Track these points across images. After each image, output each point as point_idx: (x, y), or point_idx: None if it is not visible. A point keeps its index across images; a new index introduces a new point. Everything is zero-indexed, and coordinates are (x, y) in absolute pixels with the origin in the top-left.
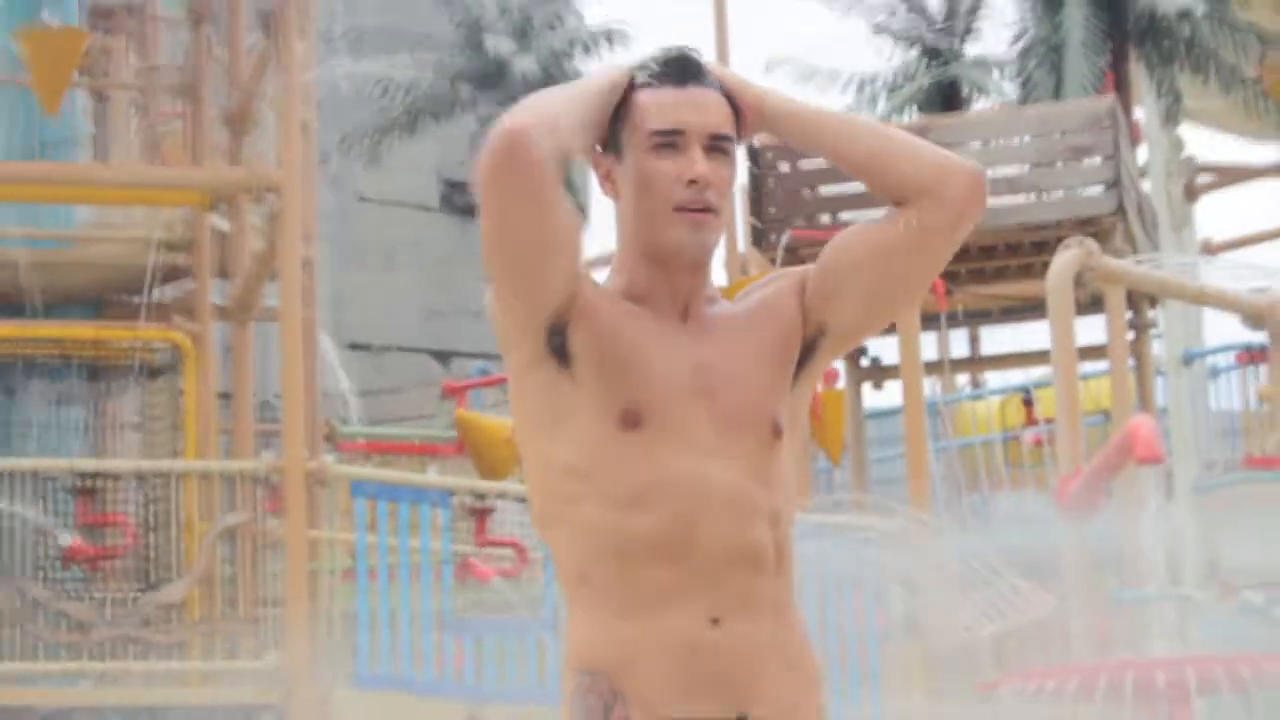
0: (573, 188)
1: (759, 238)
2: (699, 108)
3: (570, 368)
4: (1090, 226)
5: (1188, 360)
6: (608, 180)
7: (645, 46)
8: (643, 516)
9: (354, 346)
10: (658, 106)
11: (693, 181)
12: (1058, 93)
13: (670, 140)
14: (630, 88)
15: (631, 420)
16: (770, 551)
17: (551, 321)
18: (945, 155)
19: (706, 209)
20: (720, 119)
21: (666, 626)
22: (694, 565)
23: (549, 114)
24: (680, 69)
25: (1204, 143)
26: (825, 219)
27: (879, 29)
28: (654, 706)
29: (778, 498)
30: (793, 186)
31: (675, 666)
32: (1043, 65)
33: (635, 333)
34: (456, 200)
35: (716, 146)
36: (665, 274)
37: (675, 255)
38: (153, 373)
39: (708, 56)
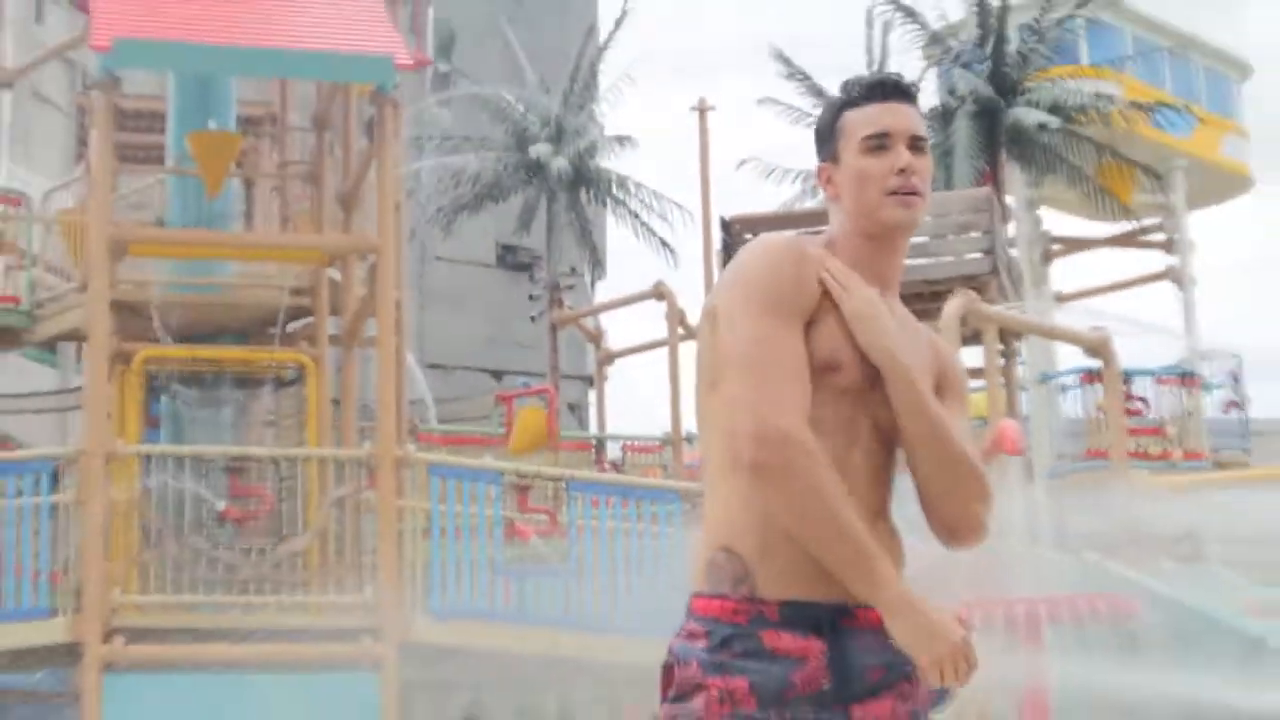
0: (597, 251)
1: None
2: (900, 115)
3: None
4: (972, 282)
5: (1043, 380)
6: (829, 185)
7: (648, 150)
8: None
9: (432, 366)
10: (865, 118)
11: (901, 170)
12: (949, 184)
13: (880, 142)
14: (840, 109)
15: (831, 368)
16: (886, 480)
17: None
18: (979, 522)
19: (913, 192)
20: (918, 124)
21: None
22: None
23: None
24: (882, 88)
25: (1057, 221)
26: None
27: None
28: (780, 588)
29: (888, 477)
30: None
31: (801, 567)
32: (938, 164)
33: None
34: (508, 260)
35: (916, 145)
36: (878, 249)
37: (894, 229)
38: (284, 384)
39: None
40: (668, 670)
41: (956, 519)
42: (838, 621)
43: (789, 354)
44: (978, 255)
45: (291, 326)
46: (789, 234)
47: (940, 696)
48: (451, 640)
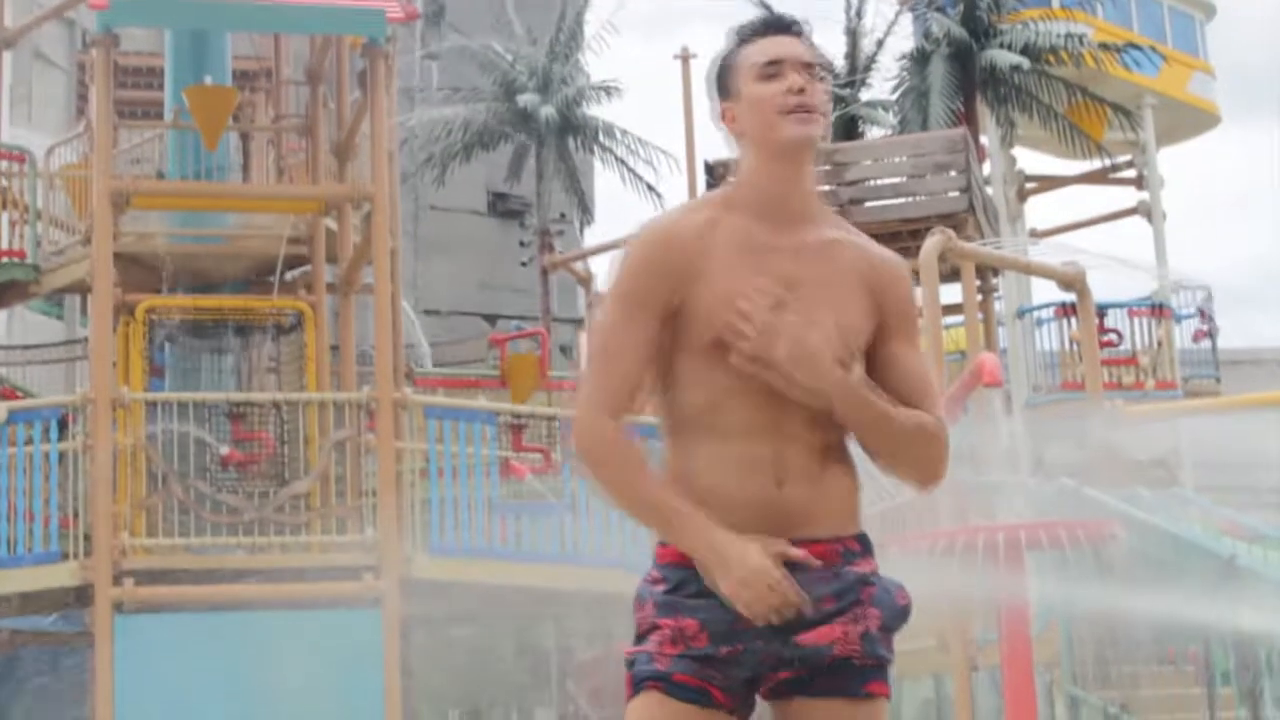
0: (583, 197)
1: None
2: (790, 45)
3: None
4: (950, 220)
5: (1020, 314)
6: (732, 123)
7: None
8: (723, 410)
9: (427, 311)
10: (757, 49)
11: (794, 90)
12: (925, 126)
13: (773, 69)
14: (734, 51)
15: (715, 351)
16: (828, 431)
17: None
18: (934, 473)
19: (809, 109)
20: (811, 52)
21: (742, 484)
22: (762, 445)
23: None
24: (774, 23)
25: (1031, 159)
26: None
27: None
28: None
29: (830, 416)
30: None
31: (745, 512)
32: (914, 106)
33: (739, 262)
34: (499, 207)
35: (809, 71)
36: (785, 176)
37: (795, 147)
38: (284, 331)
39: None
40: (635, 607)
41: (910, 476)
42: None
43: (630, 347)
44: (955, 194)
45: (290, 275)
46: (673, 212)
47: (897, 614)
48: (450, 576)
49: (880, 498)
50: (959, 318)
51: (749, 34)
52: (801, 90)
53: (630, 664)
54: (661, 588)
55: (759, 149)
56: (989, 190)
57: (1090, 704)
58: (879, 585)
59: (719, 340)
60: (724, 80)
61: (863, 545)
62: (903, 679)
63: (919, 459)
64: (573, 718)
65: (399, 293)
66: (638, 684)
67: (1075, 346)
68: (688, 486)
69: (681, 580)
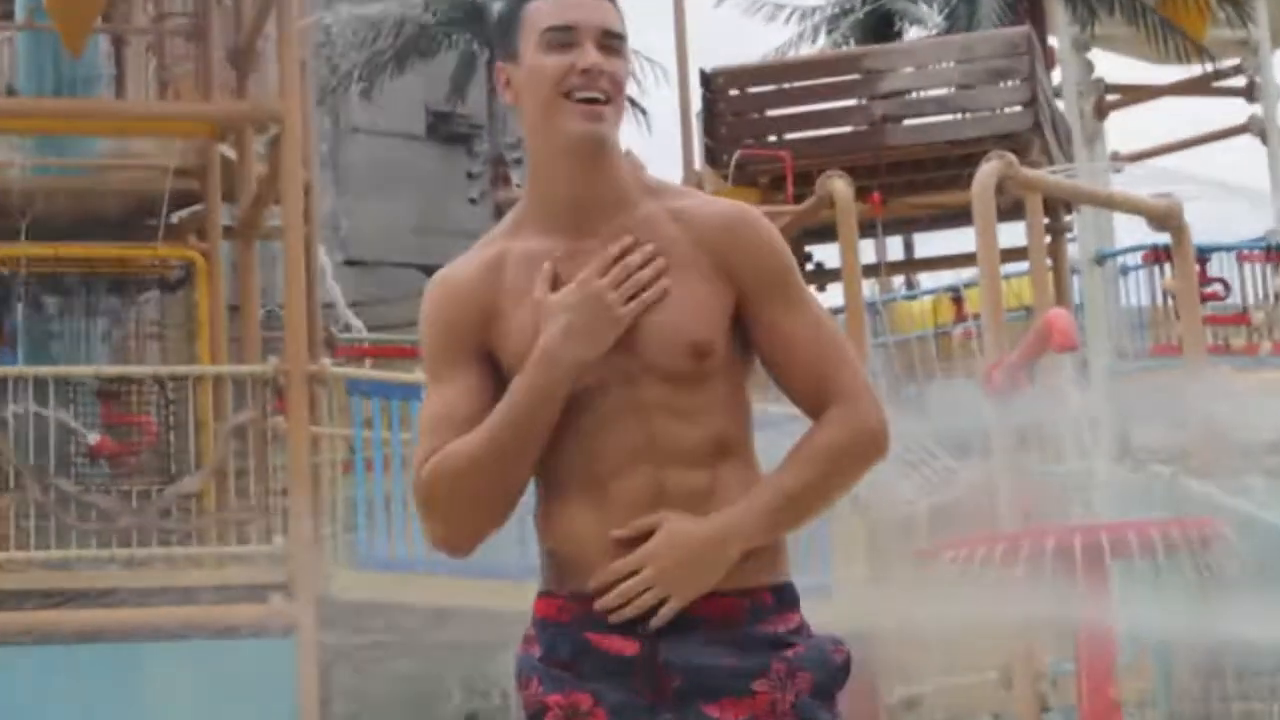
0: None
1: (712, 156)
2: (590, 8)
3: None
4: (1010, 141)
5: (1099, 260)
6: (508, 88)
7: None
8: (585, 452)
9: (350, 263)
10: (550, 7)
11: (585, 71)
12: (973, 24)
13: (563, 38)
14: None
15: None
16: (703, 445)
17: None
18: (868, 467)
19: (601, 100)
20: (612, 19)
21: (618, 524)
22: (635, 477)
23: (464, 510)
24: None
25: (1112, 64)
26: (772, 138)
27: None
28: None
29: (712, 403)
30: (742, 109)
31: (624, 556)
32: None
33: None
34: (441, 130)
35: (608, 45)
36: (577, 170)
37: (576, 144)
38: (170, 287)
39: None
40: (517, 687)
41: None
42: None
43: (458, 398)
44: (1016, 109)
45: (176, 216)
46: (457, 260)
47: (833, 674)
48: (381, 596)
49: (922, 492)
50: (1022, 265)
51: None
52: (594, 72)
53: None
54: (536, 651)
55: (538, 135)
56: (1059, 104)
57: None
58: (806, 644)
59: None
60: (506, 34)
61: (779, 598)
62: None
63: (854, 479)
64: None
65: (315, 238)
66: None
67: (1170, 300)
68: (561, 531)
69: (554, 640)
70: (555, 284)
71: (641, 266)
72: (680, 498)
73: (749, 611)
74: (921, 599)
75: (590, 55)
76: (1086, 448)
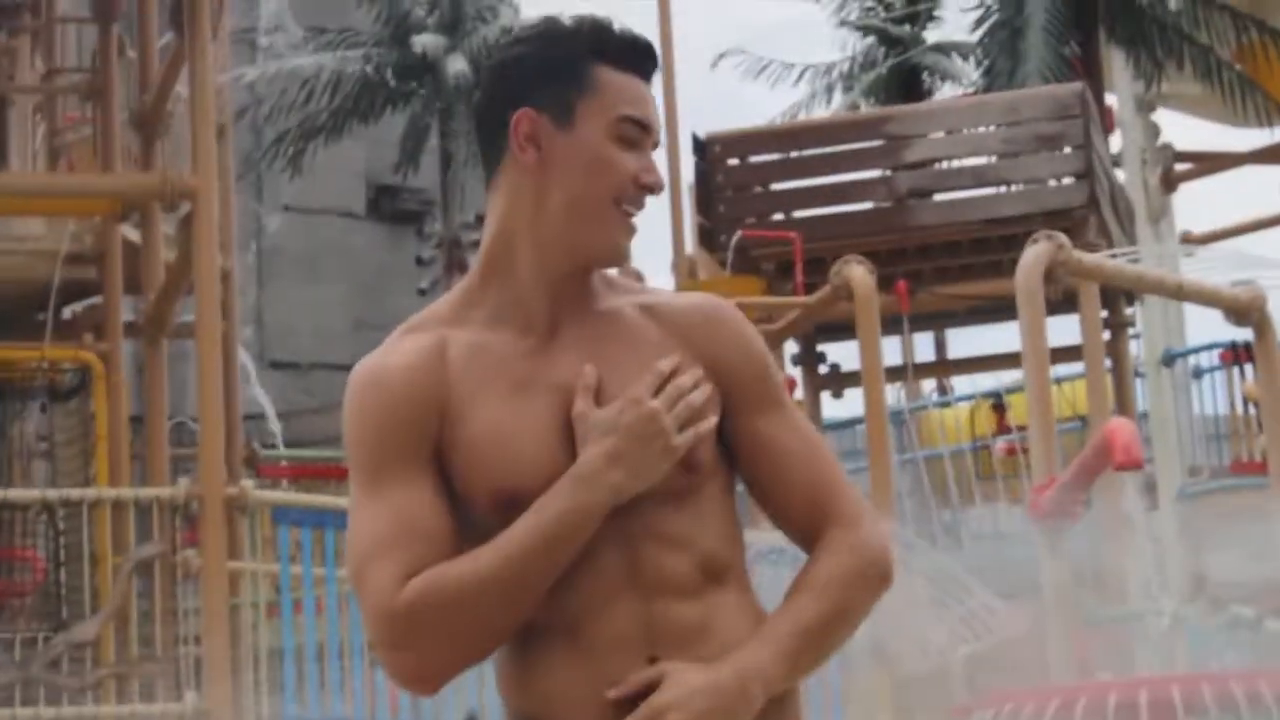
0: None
1: (707, 238)
2: (653, 104)
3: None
4: (1061, 219)
5: (1168, 360)
6: (531, 144)
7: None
8: (557, 589)
9: (276, 365)
10: (633, 93)
11: (646, 187)
12: (1016, 79)
13: (635, 134)
14: (589, 54)
15: (508, 503)
16: (697, 576)
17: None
18: (873, 596)
19: (636, 213)
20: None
21: (600, 674)
22: (617, 618)
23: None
24: (645, 56)
25: (1182, 128)
26: (779, 217)
27: (840, 20)
28: None
29: (701, 523)
30: (743, 182)
31: (616, 711)
32: (1006, 49)
33: (490, 390)
34: (385, 207)
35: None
36: (569, 282)
37: (605, 254)
38: (60, 395)
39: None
40: None
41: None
42: None
43: (413, 518)
44: (1068, 181)
45: (69, 310)
46: (377, 353)
47: None
48: None
49: (962, 638)
50: (1076, 366)
51: (614, 51)
52: (656, 187)
53: None
54: None
55: (555, 228)
56: (1120, 175)
57: None
58: None
59: (503, 492)
60: (559, 81)
61: None
62: None
63: (865, 613)
64: None
65: (234, 336)
66: None
67: (1252, 408)
68: (533, 689)
69: None
70: (512, 375)
71: (691, 388)
72: (672, 636)
73: None
74: None
75: (655, 170)
76: (1153, 585)
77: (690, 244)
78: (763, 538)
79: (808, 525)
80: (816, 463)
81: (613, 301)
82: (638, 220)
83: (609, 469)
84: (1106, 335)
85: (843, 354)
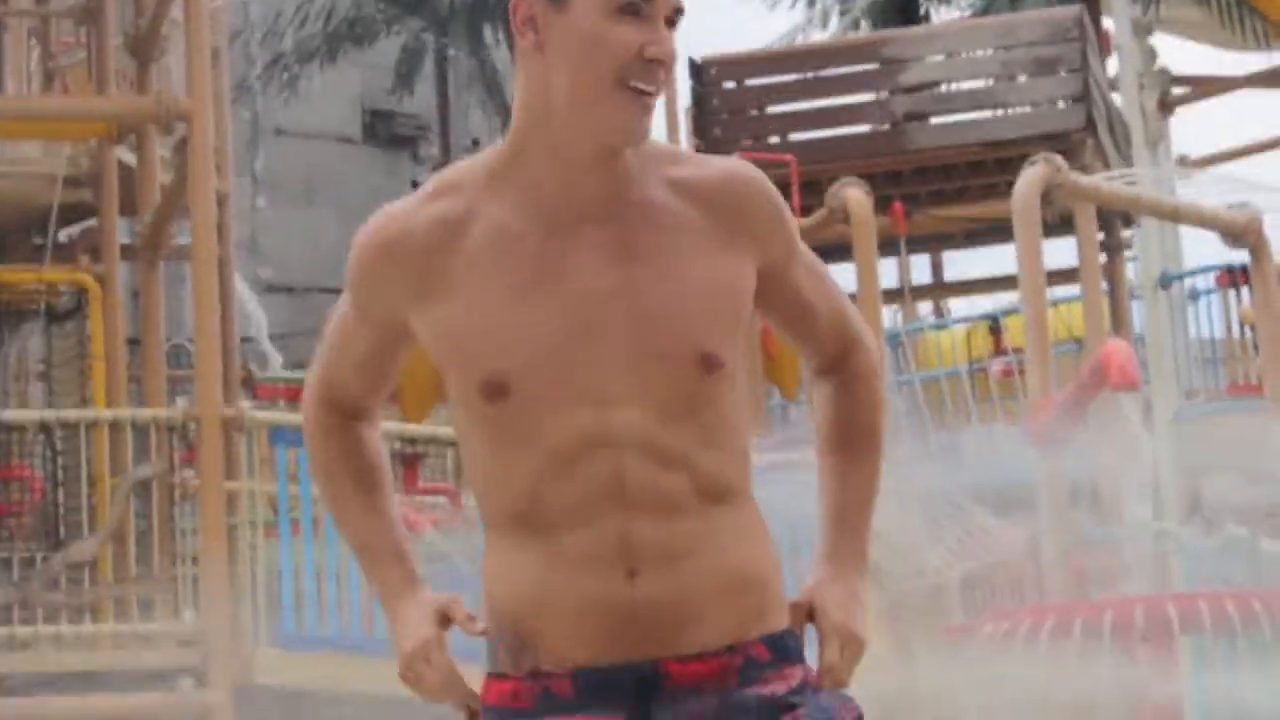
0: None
1: None
2: None
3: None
4: (1057, 142)
5: (1165, 282)
6: (529, 28)
7: None
8: (540, 494)
9: (273, 289)
10: None
11: (653, 60)
12: (1016, 2)
13: (642, 4)
14: None
15: (495, 392)
16: (690, 494)
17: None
18: (880, 403)
19: (653, 90)
20: None
21: (579, 582)
22: (602, 527)
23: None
24: None
25: (1179, 52)
26: (775, 140)
27: None
28: (565, 658)
29: (708, 437)
30: (739, 105)
31: (589, 622)
32: None
33: (502, 277)
34: (381, 131)
35: (674, 21)
36: (587, 172)
37: (613, 138)
38: (57, 317)
39: None
40: None
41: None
42: (650, 687)
43: (352, 345)
44: (1065, 104)
45: (65, 233)
46: (410, 201)
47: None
48: (311, 682)
49: (958, 558)
50: (1073, 288)
51: None
52: (665, 63)
53: None
54: None
55: (564, 109)
56: (1116, 99)
57: None
58: (809, 704)
59: (492, 384)
60: None
61: (776, 652)
62: None
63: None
64: None
65: (230, 259)
66: None
67: (1248, 331)
68: (513, 595)
69: None
70: (529, 267)
71: None
72: (653, 553)
73: (739, 671)
74: (954, 685)
75: (665, 41)
76: (1149, 505)
77: None
78: (760, 459)
79: (835, 352)
80: (833, 297)
81: (644, 184)
82: (652, 97)
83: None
84: (1103, 258)
85: (839, 276)
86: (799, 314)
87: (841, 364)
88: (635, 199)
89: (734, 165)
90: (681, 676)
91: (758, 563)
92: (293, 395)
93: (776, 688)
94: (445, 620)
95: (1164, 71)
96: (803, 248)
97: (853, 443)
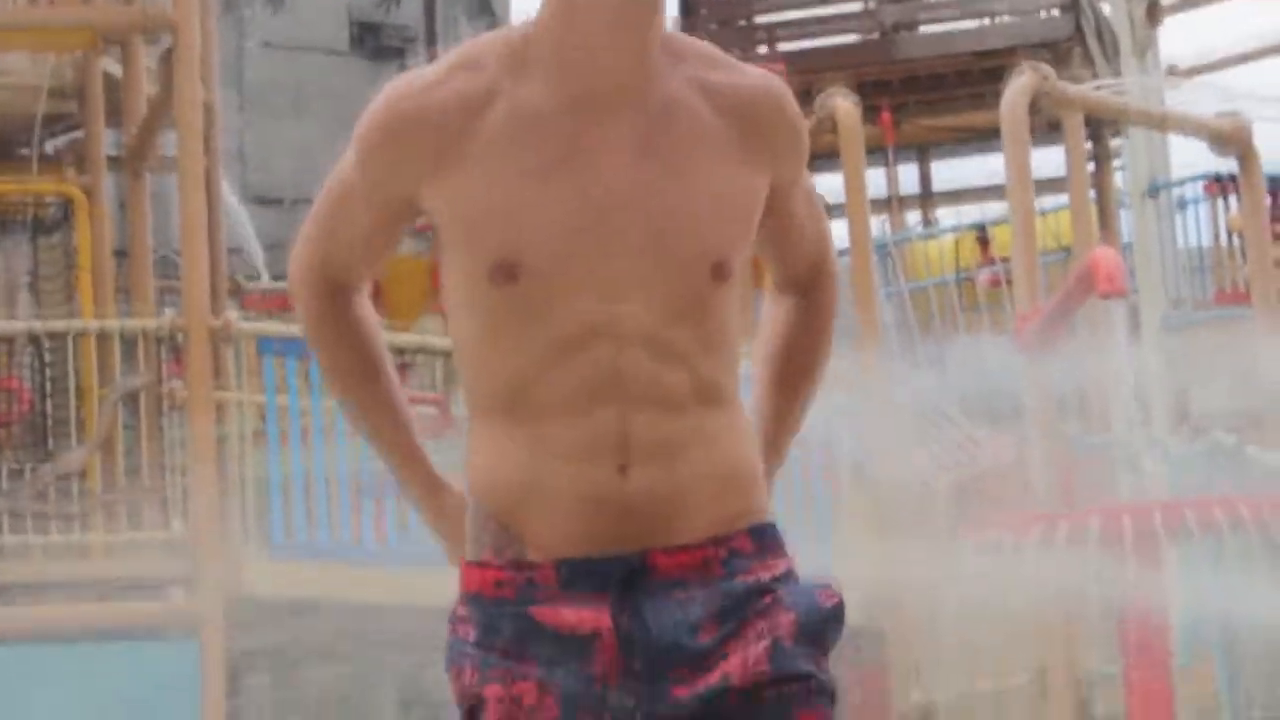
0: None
1: None
2: None
3: (435, 224)
4: (1046, 50)
5: (1153, 191)
6: None
7: None
8: (536, 382)
9: (261, 200)
10: None
11: None
12: None
13: None
14: None
15: (506, 274)
16: (688, 393)
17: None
18: (829, 317)
19: None
20: None
21: (569, 474)
22: (596, 420)
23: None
24: None
25: None
26: (763, 49)
27: None
28: (550, 549)
29: (707, 340)
30: (727, 14)
31: (578, 514)
32: None
33: (520, 158)
34: (369, 43)
35: None
36: (611, 38)
37: (630, 5)
38: (44, 229)
39: None
40: (449, 677)
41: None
42: (635, 578)
43: (352, 213)
44: (1053, 12)
45: (51, 144)
46: (431, 71)
47: (822, 616)
48: (300, 591)
49: (943, 466)
50: (1061, 197)
51: None
52: None
53: None
54: (470, 635)
55: None
56: (1105, 7)
57: None
58: (789, 588)
59: (503, 267)
60: None
61: (760, 543)
62: None
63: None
64: None
65: (217, 171)
66: None
67: (1235, 239)
68: (499, 485)
69: (492, 619)
70: (549, 150)
71: None
72: (648, 449)
73: (724, 564)
74: (942, 590)
75: None
76: (1137, 413)
77: None
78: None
79: (806, 277)
80: (819, 221)
81: (673, 83)
82: None
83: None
84: (1091, 166)
85: (827, 186)
86: (786, 233)
87: (808, 289)
88: (662, 96)
89: (768, 80)
90: (668, 568)
91: (745, 461)
92: (282, 305)
93: (761, 575)
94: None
95: None
96: (807, 174)
97: (794, 378)
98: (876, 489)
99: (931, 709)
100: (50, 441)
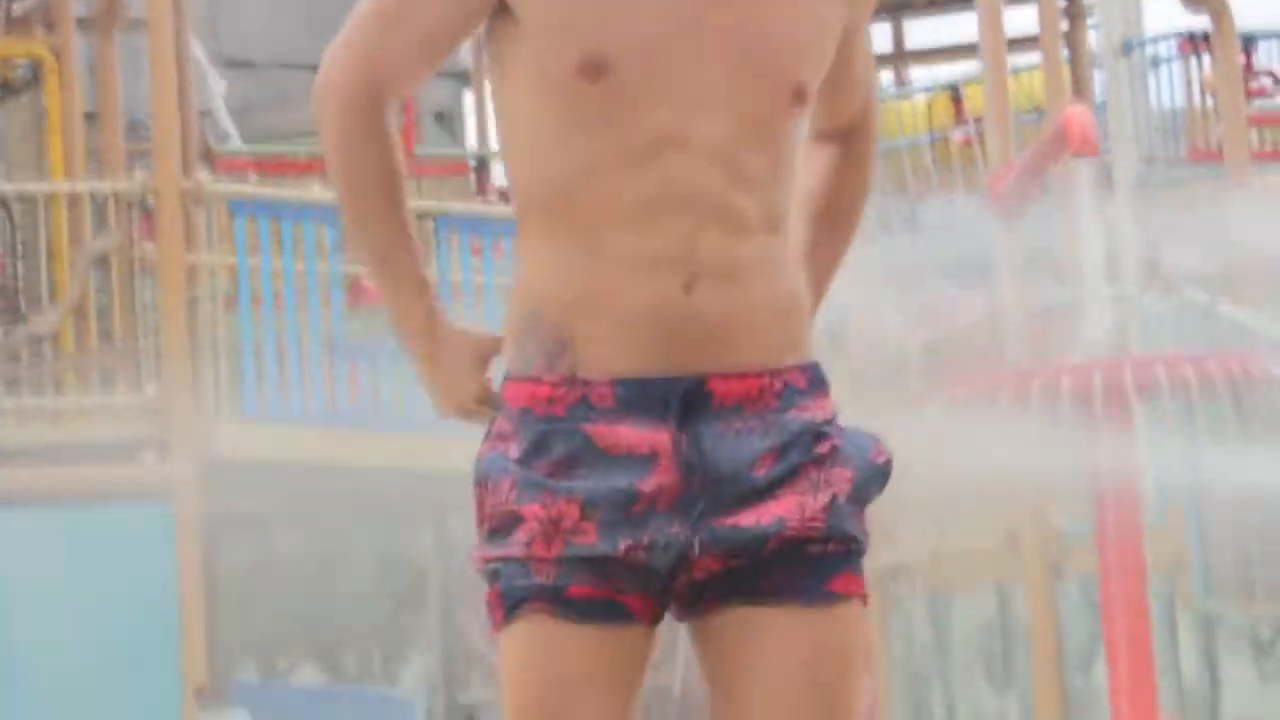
0: None
1: None
2: None
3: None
4: None
5: (1126, 49)
6: None
7: None
8: (605, 186)
9: (232, 63)
10: None
11: None
12: None
13: None
14: None
15: (593, 70)
16: (756, 218)
17: None
18: (870, 166)
19: None
20: None
21: (632, 283)
22: (666, 231)
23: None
24: None
25: None
26: None
27: None
28: (606, 364)
29: (776, 168)
30: None
31: (639, 329)
32: None
33: None
34: None
35: None
36: None
37: None
38: (13, 90)
39: None
40: (479, 492)
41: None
42: (693, 402)
43: (429, 10)
44: None
45: (20, 5)
46: None
47: (874, 476)
48: (273, 454)
49: (915, 325)
50: (1033, 55)
51: None
52: None
53: (492, 576)
54: (514, 449)
55: None
56: None
57: (1231, 625)
58: (845, 436)
59: (592, 62)
60: None
61: (811, 381)
62: (952, 592)
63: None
64: (464, 661)
65: (187, 30)
66: (510, 606)
67: (1209, 97)
68: (552, 292)
69: (542, 436)
70: None
71: None
72: (715, 266)
73: (780, 395)
74: (913, 449)
75: None
76: (1108, 271)
77: None
78: None
79: (854, 122)
80: (873, 73)
81: None
82: None
83: (420, 365)
84: (1063, 24)
85: None
86: (845, 76)
87: (852, 136)
88: None
89: None
90: (725, 394)
91: (800, 295)
92: (254, 167)
93: (815, 414)
94: (485, 364)
95: None
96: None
97: (836, 220)
98: (850, 349)
99: (905, 567)
100: (22, 304)
